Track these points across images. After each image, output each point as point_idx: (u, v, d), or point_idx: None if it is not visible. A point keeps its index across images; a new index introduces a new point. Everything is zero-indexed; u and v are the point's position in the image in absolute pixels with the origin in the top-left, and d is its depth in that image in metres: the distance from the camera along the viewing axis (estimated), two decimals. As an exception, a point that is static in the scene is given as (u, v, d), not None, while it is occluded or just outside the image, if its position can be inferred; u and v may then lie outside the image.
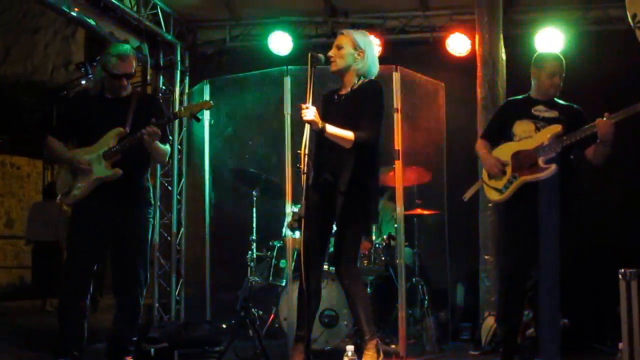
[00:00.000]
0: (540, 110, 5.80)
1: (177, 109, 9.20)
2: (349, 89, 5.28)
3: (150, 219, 5.70)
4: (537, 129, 5.72)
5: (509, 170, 5.76)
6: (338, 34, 5.41)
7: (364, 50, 5.30)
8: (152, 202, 5.79)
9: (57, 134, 5.69)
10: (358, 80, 5.28)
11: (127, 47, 5.72)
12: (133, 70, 5.61)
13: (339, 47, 5.25)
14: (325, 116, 5.10)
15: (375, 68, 5.39)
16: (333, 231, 5.45)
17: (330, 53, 5.24)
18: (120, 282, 5.65)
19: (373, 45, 5.49)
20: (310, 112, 4.76)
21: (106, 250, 5.68)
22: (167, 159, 6.06)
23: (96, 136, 5.50)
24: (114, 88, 5.58)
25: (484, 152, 5.97)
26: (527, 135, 5.75)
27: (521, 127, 5.80)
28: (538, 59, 5.97)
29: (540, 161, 5.62)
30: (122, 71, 5.51)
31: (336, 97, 5.31)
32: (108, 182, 5.44)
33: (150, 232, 5.69)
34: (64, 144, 5.66)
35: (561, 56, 5.95)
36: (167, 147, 5.75)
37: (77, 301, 5.42)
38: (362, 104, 5.15)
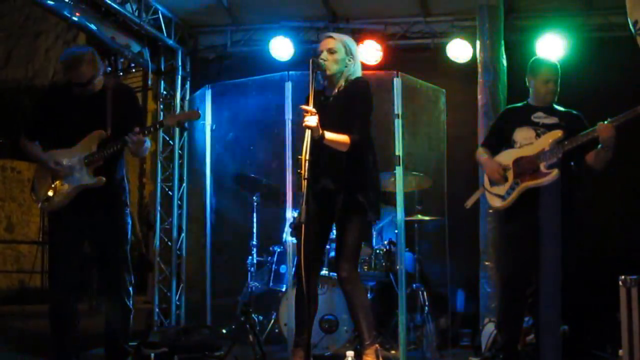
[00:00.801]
0: (539, 117, 5.82)
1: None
2: (336, 91, 5.27)
3: (128, 220, 5.64)
4: (538, 135, 5.73)
5: (510, 176, 5.77)
6: (324, 37, 5.35)
7: (354, 56, 5.31)
8: (128, 203, 5.71)
9: (32, 135, 5.58)
10: (345, 82, 5.28)
11: (72, 52, 5.55)
12: (86, 79, 5.40)
13: (332, 51, 5.21)
14: None
15: (360, 71, 5.40)
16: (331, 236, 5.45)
17: (324, 57, 5.20)
18: (104, 285, 5.64)
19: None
20: (313, 119, 4.76)
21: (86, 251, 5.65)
22: (146, 153, 5.95)
23: (73, 137, 5.41)
24: (81, 92, 5.45)
25: (485, 158, 5.97)
26: (527, 142, 5.76)
27: (521, 134, 5.81)
28: (532, 66, 5.99)
29: (542, 167, 5.63)
30: (73, 80, 5.41)
31: (322, 98, 5.28)
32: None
33: (129, 233, 5.64)
34: (39, 144, 5.54)
35: (555, 62, 5.97)
36: (148, 143, 5.63)
37: (66, 306, 5.40)
38: (352, 105, 5.14)
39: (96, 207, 5.43)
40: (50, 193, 5.43)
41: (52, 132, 5.51)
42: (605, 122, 5.43)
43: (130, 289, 5.56)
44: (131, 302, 5.58)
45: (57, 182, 5.42)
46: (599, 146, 5.49)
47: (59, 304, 5.42)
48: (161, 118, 9.36)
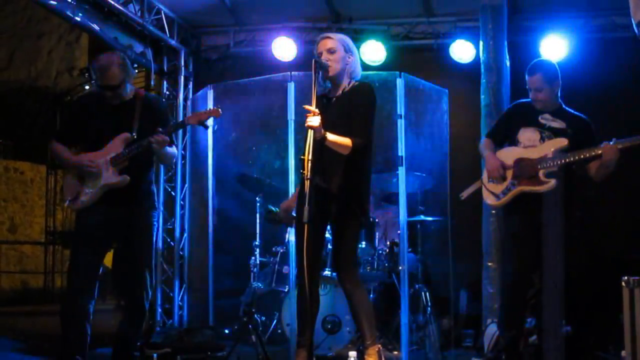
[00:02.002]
0: (547, 119, 5.78)
1: (180, 114, 9.23)
2: (340, 92, 5.27)
3: (155, 223, 5.68)
4: (542, 139, 5.70)
5: (509, 175, 5.75)
6: (321, 38, 5.31)
7: (353, 52, 5.30)
8: (157, 206, 5.77)
9: (62, 139, 5.65)
10: (348, 83, 5.27)
11: (105, 57, 5.58)
12: (117, 82, 5.46)
13: (332, 51, 5.18)
14: None
15: (360, 69, 5.38)
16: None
17: (325, 57, 5.18)
18: (126, 287, 5.64)
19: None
20: (316, 119, 4.74)
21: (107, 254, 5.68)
22: (174, 161, 6.03)
23: (102, 142, 5.47)
24: (112, 97, 5.51)
25: (488, 152, 5.94)
26: (531, 144, 5.74)
27: (526, 135, 5.79)
28: (526, 71, 5.94)
29: (541, 174, 5.61)
30: (103, 83, 5.44)
31: (325, 100, 5.27)
32: (114, 188, 5.43)
33: (154, 236, 5.68)
34: (69, 149, 5.62)
35: (541, 68, 5.86)
36: (174, 150, 5.74)
37: (81, 305, 5.40)
38: (355, 107, 5.12)
39: (123, 209, 5.47)
40: (78, 193, 5.49)
41: (83, 137, 5.60)
42: (611, 143, 5.40)
43: (150, 292, 5.58)
44: (147, 305, 5.59)
45: (84, 182, 5.48)
46: (601, 163, 5.48)
47: (73, 303, 5.42)
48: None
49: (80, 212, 5.55)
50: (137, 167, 5.48)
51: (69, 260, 5.65)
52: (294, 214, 5.40)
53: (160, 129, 5.34)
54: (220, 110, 5.62)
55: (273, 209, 5.76)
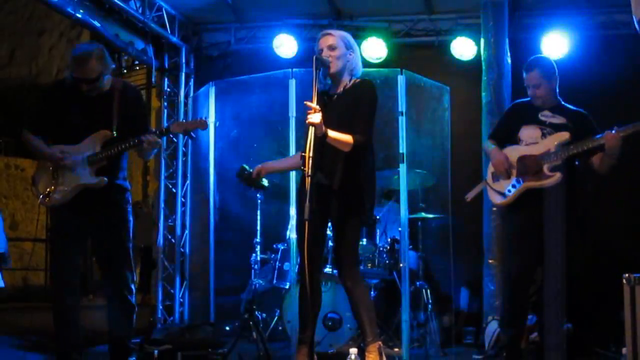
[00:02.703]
0: (547, 116, 5.78)
1: (181, 111, 9.23)
2: (341, 89, 5.26)
3: (130, 218, 5.61)
4: (544, 135, 5.70)
5: (514, 173, 5.75)
6: (322, 35, 5.29)
7: (353, 49, 5.30)
8: (130, 201, 5.69)
9: (35, 129, 5.49)
10: (349, 80, 5.27)
11: (84, 48, 5.45)
12: (94, 75, 5.30)
13: (332, 48, 5.17)
14: None
15: (361, 66, 5.38)
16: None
17: (326, 54, 5.17)
18: (108, 282, 5.62)
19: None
20: (316, 116, 4.74)
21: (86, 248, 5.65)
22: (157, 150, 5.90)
23: (78, 135, 5.36)
24: (88, 90, 5.36)
25: (493, 148, 5.93)
26: (533, 141, 5.74)
27: (527, 133, 5.78)
28: (524, 68, 5.93)
29: (546, 168, 5.61)
30: (79, 75, 5.30)
31: (326, 97, 5.25)
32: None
33: (130, 230, 5.62)
34: (43, 140, 5.45)
35: (538, 64, 5.86)
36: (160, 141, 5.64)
37: (68, 303, 5.39)
38: (357, 105, 5.12)
39: (98, 205, 5.40)
40: (51, 189, 5.39)
41: (57, 128, 5.46)
42: (613, 132, 5.40)
43: (132, 286, 5.55)
44: (134, 298, 5.57)
45: (58, 178, 5.38)
46: (604, 152, 5.48)
47: (61, 300, 5.41)
48: (165, 115, 9.38)
49: (54, 209, 5.48)
50: (111, 164, 5.42)
51: (50, 262, 5.60)
52: (264, 182, 5.43)
53: (153, 129, 5.31)
54: (207, 122, 5.57)
55: (247, 167, 5.70)
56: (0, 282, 8.73)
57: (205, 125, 5.56)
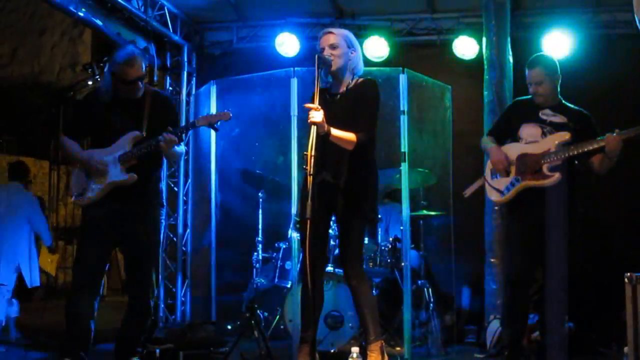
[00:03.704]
0: (547, 115, 5.78)
1: (183, 109, 9.23)
2: (345, 88, 5.26)
3: (162, 221, 5.67)
4: (544, 134, 5.70)
5: (513, 171, 5.75)
6: (324, 33, 5.29)
7: (355, 48, 5.30)
8: (164, 204, 5.76)
9: (71, 134, 5.63)
10: (352, 79, 5.27)
11: (132, 50, 5.61)
12: (143, 72, 5.51)
13: (334, 46, 5.17)
14: None
15: (362, 65, 5.38)
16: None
17: (328, 52, 5.17)
18: (132, 283, 5.65)
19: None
20: (318, 115, 4.74)
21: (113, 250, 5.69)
22: (180, 159, 6.00)
23: (111, 139, 5.46)
24: (128, 92, 5.50)
25: (492, 146, 5.94)
26: (533, 140, 5.74)
27: (527, 131, 5.78)
28: (526, 66, 5.93)
29: (545, 168, 5.61)
30: (133, 77, 5.42)
31: (328, 96, 5.25)
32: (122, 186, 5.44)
33: (161, 233, 5.67)
34: (78, 144, 5.61)
35: (540, 62, 5.88)
36: (182, 149, 5.75)
37: (86, 301, 5.40)
38: (361, 103, 5.13)
39: (130, 206, 5.46)
40: (83, 189, 5.48)
41: (92, 133, 5.61)
42: (614, 134, 5.40)
43: (155, 289, 5.58)
44: (152, 302, 5.60)
45: (92, 178, 5.46)
46: (604, 154, 5.48)
47: (78, 299, 5.42)
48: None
49: (86, 208, 5.53)
50: (145, 166, 5.47)
51: (74, 257, 5.64)
52: None
53: (171, 129, 5.35)
54: (230, 114, 5.61)
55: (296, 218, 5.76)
56: (36, 279, 8.74)
57: (229, 116, 5.59)
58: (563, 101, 5.87)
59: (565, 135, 5.62)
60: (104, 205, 5.45)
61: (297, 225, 5.89)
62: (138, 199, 5.49)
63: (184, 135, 5.76)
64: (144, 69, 5.53)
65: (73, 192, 5.56)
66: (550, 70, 5.82)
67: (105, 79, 5.58)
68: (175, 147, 5.52)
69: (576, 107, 5.84)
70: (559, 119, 5.74)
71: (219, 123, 5.60)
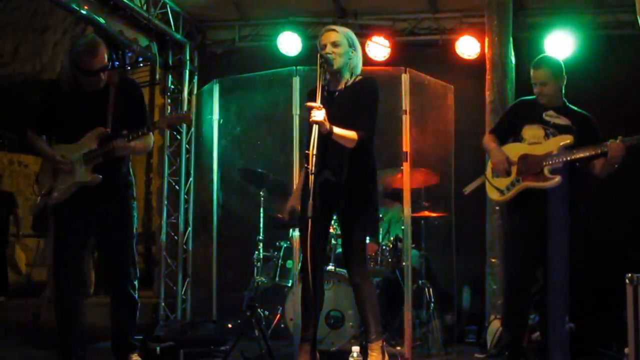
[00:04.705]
0: (551, 116, 5.77)
1: (185, 108, 9.21)
2: (343, 86, 5.26)
3: (134, 214, 5.61)
4: (547, 136, 5.70)
5: (514, 171, 5.75)
6: (326, 30, 5.27)
7: (356, 47, 5.29)
8: (135, 197, 5.69)
9: (37, 128, 5.53)
10: (351, 77, 5.27)
11: (93, 37, 5.47)
12: (107, 61, 5.33)
13: (336, 44, 5.16)
14: None
15: (361, 65, 5.37)
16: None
17: (329, 49, 5.15)
18: (110, 279, 5.64)
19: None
20: (320, 114, 4.73)
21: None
22: (150, 148, 5.86)
23: (76, 133, 5.36)
24: (90, 84, 5.37)
25: (493, 146, 5.93)
26: (536, 141, 5.73)
27: (530, 132, 5.78)
28: (532, 66, 5.93)
29: (546, 170, 5.60)
30: (96, 67, 5.27)
31: (326, 94, 5.22)
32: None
33: (135, 226, 5.63)
34: (45, 138, 5.52)
35: (550, 64, 5.88)
36: (149, 140, 5.59)
37: (73, 300, 5.40)
38: (360, 102, 5.13)
39: (101, 201, 5.39)
40: (50, 188, 5.42)
41: (57, 127, 5.50)
42: (617, 141, 5.40)
43: (136, 282, 5.56)
44: (137, 294, 5.58)
45: (57, 177, 5.40)
46: (606, 159, 5.49)
47: (63, 297, 5.41)
48: (168, 112, 9.37)
49: (55, 208, 5.47)
50: (111, 162, 5.40)
51: (53, 259, 5.60)
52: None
53: (125, 132, 5.26)
54: (191, 115, 5.56)
55: (278, 215, 5.73)
56: None
57: (189, 119, 5.55)
58: (567, 103, 5.86)
59: (568, 138, 5.61)
60: (72, 204, 5.38)
61: (280, 223, 5.87)
62: (106, 196, 5.41)
63: (148, 119, 5.62)
64: (106, 58, 5.35)
65: (40, 190, 5.49)
66: (556, 72, 5.82)
67: (64, 68, 5.45)
68: (138, 145, 5.43)
69: (579, 110, 5.84)
70: (562, 121, 5.74)
71: (180, 124, 5.52)
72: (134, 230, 5.61)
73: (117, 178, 5.52)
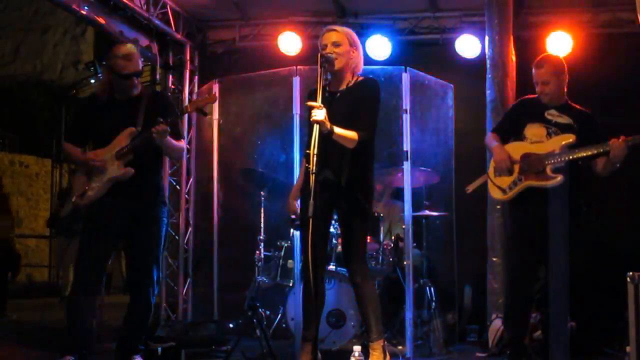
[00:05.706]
0: (553, 115, 5.77)
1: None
2: (345, 86, 5.26)
3: (165, 219, 5.67)
4: (549, 135, 5.69)
5: (516, 170, 5.75)
6: (327, 30, 5.27)
7: (357, 47, 5.29)
8: (167, 202, 5.77)
9: (72, 139, 5.73)
10: (352, 77, 5.26)
11: (130, 46, 5.69)
12: (140, 68, 5.58)
13: (337, 44, 5.16)
14: None
15: (362, 65, 5.37)
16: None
17: (330, 49, 5.16)
18: (134, 281, 5.66)
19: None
20: (321, 113, 4.73)
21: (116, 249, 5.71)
22: (182, 155, 6.02)
23: (110, 139, 5.49)
24: (124, 88, 5.56)
25: (495, 144, 5.92)
26: (538, 140, 5.73)
27: (532, 131, 5.78)
28: (534, 65, 5.93)
29: (548, 169, 5.60)
30: (130, 71, 5.48)
31: (327, 94, 5.19)
32: (121, 182, 5.42)
33: (164, 231, 5.67)
34: (80, 148, 5.68)
35: (548, 61, 5.88)
36: (181, 144, 5.74)
37: (87, 299, 5.42)
38: (361, 102, 5.13)
39: (131, 204, 5.47)
40: (85, 189, 5.51)
41: (93, 136, 5.68)
42: (620, 140, 5.40)
43: (156, 287, 5.59)
44: (154, 300, 5.61)
45: (92, 178, 5.50)
46: (608, 158, 5.48)
47: (79, 297, 5.44)
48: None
49: (88, 207, 5.53)
50: (144, 161, 5.48)
51: (77, 256, 5.64)
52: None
53: (161, 119, 5.34)
54: (216, 95, 5.63)
55: (292, 216, 5.72)
56: None
57: (215, 98, 5.64)
58: (569, 102, 5.86)
59: (570, 137, 5.61)
60: (104, 203, 5.46)
61: (295, 223, 5.87)
62: (138, 197, 5.50)
63: (179, 124, 5.77)
64: (140, 65, 5.60)
65: (74, 193, 5.59)
66: (558, 70, 5.83)
67: (104, 74, 5.65)
68: (173, 142, 5.53)
69: (581, 108, 5.84)
70: (564, 119, 5.74)
71: (207, 107, 5.62)
72: (162, 234, 5.64)
73: (149, 180, 5.60)
